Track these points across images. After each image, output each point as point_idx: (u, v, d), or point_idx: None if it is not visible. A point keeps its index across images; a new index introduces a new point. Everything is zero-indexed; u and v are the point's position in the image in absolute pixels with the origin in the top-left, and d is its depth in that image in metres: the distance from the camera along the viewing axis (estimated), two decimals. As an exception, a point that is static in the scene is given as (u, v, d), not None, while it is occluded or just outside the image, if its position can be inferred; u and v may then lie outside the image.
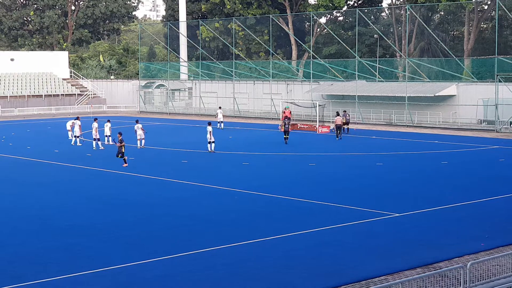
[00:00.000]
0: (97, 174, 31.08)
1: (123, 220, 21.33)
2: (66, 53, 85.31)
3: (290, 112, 50.00)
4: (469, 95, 53.49)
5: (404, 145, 42.45)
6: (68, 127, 46.50)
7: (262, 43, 76.62)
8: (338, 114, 46.50)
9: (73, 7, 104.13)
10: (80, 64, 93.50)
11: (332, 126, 47.87)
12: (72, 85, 78.97)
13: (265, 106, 66.83)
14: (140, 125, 41.24)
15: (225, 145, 41.75)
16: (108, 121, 43.62)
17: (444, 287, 13.94)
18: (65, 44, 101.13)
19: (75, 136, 42.89)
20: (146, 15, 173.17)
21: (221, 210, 22.77)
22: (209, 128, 37.26)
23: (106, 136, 42.05)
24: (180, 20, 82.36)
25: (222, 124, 53.80)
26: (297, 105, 54.75)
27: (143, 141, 40.77)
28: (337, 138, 44.89)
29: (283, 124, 44.53)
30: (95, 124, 40.82)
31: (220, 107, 59.58)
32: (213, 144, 37.48)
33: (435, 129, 51.97)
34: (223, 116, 55.39)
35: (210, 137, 37.36)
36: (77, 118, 44.33)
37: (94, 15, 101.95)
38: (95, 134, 40.47)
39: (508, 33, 73.69)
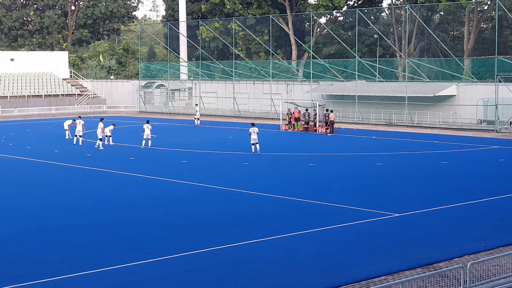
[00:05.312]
0: (97, 174, 31.08)
1: (123, 220, 21.33)
2: (66, 53, 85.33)
3: (299, 112, 52.30)
4: (469, 95, 53.46)
5: (404, 145, 42.45)
6: (66, 127, 46.64)
7: (262, 43, 76.63)
8: (331, 111, 49.51)
9: (73, 7, 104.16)
10: (80, 64, 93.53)
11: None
12: (72, 85, 78.98)
13: (265, 106, 66.81)
14: (149, 126, 41.06)
15: (225, 145, 41.78)
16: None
17: (444, 287, 13.94)
18: (65, 44, 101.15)
19: (76, 136, 42.86)
20: (146, 15, 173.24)
21: (221, 210, 22.76)
22: (255, 129, 36.85)
23: (107, 136, 42.09)
24: (180, 20, 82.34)
25: (198, 121, 57.83)
26: (297, 105, 54.72)
27: (149, 141, 40.76)
28: (330, 134, 48.06)
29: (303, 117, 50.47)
30: (100, 124, 40.93)
31: (196, 104, 64.42)
32: (257, 145, 37.13)
33: (435, 129, 51.95)
34: (200, 114, 59.99)
35: (255, 139, 36.87)
36: (79, 118, 44.33)
37: (94, 15, 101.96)
38: (99, 133, 40.57)
39: (508, 33, 73.74)
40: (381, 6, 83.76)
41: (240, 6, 79.72)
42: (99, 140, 40.61)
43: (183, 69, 79.90)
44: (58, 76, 79.38)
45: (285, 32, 78.71)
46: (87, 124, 47.64)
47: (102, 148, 40.23)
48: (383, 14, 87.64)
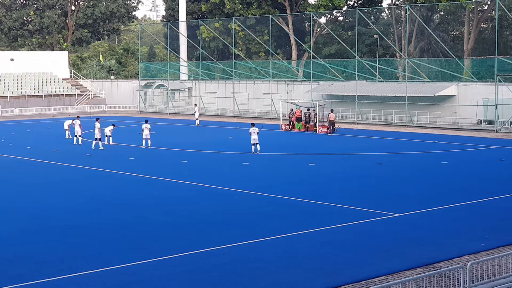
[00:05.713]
0: (97, 174, 31.08)
1: (123, 220, 21.33)
2: (66, 53, 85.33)
3: (301, 111, 52.66)
4: (469, 95, 53.46)
5: (404, 145, 42.45)
6: (66, 127, 46.65)
7: (262, 43, 76.63)
8: (332, 111, 49.59)
9: (73, 7, 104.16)
10: (80, 64, 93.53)
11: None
12: (72, 85, 78.98)
13: (265, 106, 66.82)
14: (148, 126, 41.18)
15: (225, 145, 41.78)
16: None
17: (444, 287, 13.94)
18: (65, 44, 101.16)
19: (75, 136, 42.90)
20: (146, 15, 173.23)
21: (221, 210, 22.76)
22: (255, 129, 36.87)
23: (107, 136, 42.12)
24: (180, 20, 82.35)
25: (198, 121, 57.84)
26: (298, 106, 54.80)
27: (149, 141, 40.81)
28: (330, 134, 48.14)
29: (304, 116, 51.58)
30: (97, 124, 40.89)
31: (196, 104, 64.67)
32: (258, 146, 37.12)
33: (435, 129, 51.95)
34: (199, 114, 59.99)
35: (255, 139, 36.78)
36: (77, 118, 44.45)
37: (94, 15, 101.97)
38: (97, 134, 40.55)
39: (508, 33, 73.76)
40: (381, 6, 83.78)
41: (240, 6, 79.72)
42: (95, 140, 40.50)
43: (183, 69, 79.91)
44: (58, 76, 79.38)
45: (285, 32, 78.71)
46: (87, 124, 47.65)
47: (102, 148, 40.22)
48: (383, 14, 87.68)
